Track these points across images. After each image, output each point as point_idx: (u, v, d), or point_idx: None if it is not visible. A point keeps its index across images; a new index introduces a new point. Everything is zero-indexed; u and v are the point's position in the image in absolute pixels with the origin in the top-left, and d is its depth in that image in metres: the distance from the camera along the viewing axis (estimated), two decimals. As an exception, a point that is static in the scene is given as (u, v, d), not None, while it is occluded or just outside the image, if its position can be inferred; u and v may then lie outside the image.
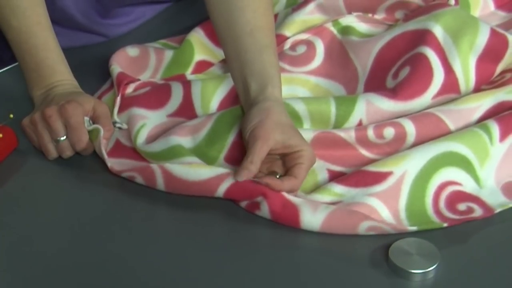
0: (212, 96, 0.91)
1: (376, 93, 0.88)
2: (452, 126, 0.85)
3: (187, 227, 0.78)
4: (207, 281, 0.72)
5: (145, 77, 0.98)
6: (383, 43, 0.94)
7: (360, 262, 0.73)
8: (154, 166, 0.82)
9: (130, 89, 0.95)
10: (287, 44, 0.99)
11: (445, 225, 0.76)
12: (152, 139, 0.87)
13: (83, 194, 0.83)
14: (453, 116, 0.85)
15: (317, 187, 0.81)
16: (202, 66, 1.01)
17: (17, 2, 0.90)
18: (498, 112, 0.85)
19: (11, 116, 0.89)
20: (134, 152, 0.87)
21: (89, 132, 0.86)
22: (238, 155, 0.83)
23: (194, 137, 0.85)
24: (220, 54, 1.01)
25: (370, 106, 0.87)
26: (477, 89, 0.90)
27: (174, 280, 0.72)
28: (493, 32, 0.89)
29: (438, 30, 0.90)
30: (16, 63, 0.94)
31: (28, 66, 0.91)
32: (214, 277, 0.72)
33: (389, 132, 0.84)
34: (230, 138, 0.84)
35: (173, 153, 0.83)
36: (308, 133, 0.84)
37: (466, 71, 0.88)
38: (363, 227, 0.75)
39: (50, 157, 0.87)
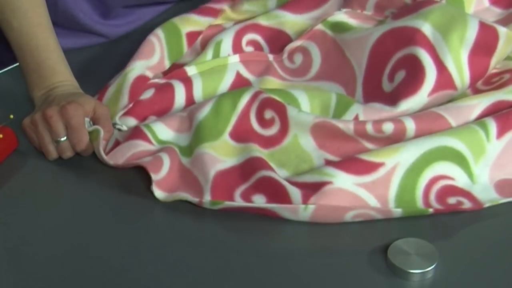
0: (213, 95, 0.92)
1: (376, 102, 0.88)
2: (453, 122, 0.84)
3: (185, 227, 0.78)
4: (205, 281, 0.72)
5: (153, 61, 0.98)
6: (374, 40, 0.93)
7: (358, 262, 0.73)
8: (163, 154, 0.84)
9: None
10: (285, 54, 0.99)
11: (430, 210, 0.77)
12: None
13: (83, 194, 0.83)
14: (453, 112, 0.85)
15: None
16: (194, 37, 1.01)
17: (18, 3, 0.91)
18: (496, 111, 0.85)
19: (11, 116, 0.89)
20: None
21: (89, 133, 0.86)
22: (243, 133, 0.85)
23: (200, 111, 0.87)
24: (205, 21, 1.03)
25: (367, 107, 0.87)
26: (473, 83, 0.89)
27: (171, 280, 0.72)
28: (482, 25, 0.89)
29: (427, 28, 0.89)
30: (17, 64, 0.94)
31: (29, 67, 0.91)
32: (211, 277, 0.72)
33: (388, 127, 0.83)
34: (236, 111, 0.86)
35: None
36: (308, 117, 0.84)
37: (459, 67, 0.88)
38: (349, 216, 0.77)
39: (50, 157, 0.87)
